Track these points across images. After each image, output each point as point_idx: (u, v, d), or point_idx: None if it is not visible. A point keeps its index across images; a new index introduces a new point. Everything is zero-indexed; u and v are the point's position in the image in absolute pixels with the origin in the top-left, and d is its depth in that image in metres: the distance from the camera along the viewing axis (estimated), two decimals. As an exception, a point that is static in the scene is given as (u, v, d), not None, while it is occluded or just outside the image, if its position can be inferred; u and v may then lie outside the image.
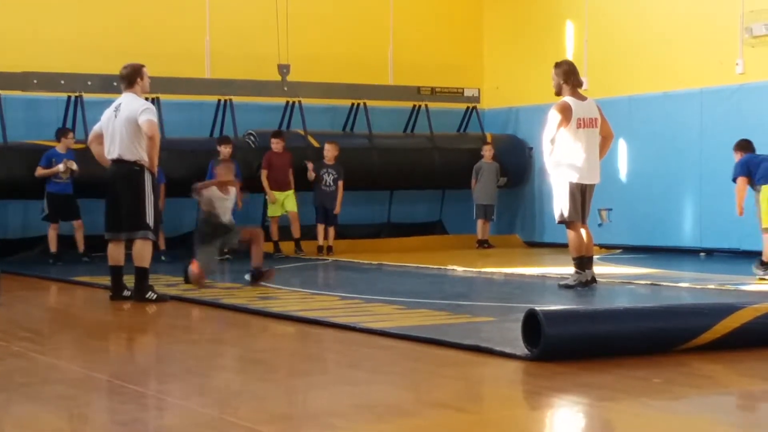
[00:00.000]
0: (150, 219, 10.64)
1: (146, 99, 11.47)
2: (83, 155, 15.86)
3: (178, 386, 6.56)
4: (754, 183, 13.09)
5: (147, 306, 10.51)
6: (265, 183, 16.94)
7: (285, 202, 17.14)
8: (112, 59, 17.34)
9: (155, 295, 10.72)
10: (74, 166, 15.45)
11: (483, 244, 18.90)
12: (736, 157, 13.45)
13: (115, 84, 16.90)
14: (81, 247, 15.86)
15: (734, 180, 13.20)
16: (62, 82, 16.84)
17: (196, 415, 5.71)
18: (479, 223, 19.00)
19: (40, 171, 15.56)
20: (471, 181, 18.99)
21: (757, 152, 13.43)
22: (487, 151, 19.10)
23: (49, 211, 15.67)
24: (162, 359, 7.82)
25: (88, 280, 12.97)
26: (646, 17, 18.04)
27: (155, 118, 10.73)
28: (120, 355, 7.93)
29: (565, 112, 11.38)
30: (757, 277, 12.71)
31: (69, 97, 16.92)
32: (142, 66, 11.09)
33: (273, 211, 17.15)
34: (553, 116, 11.44)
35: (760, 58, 16.27)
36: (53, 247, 15.68)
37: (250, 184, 17.13)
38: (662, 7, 17.84)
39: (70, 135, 15.85)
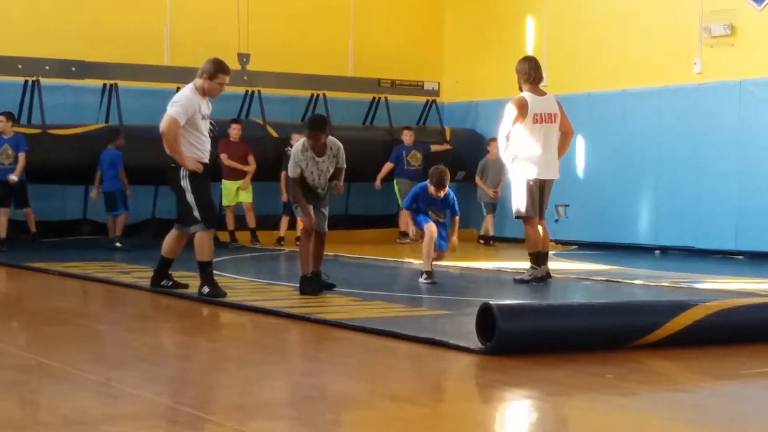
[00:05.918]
0: (197, 212, 9.99)
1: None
2: (33, 139, 15.79)
3: (131, 374, 6.52)
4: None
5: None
6: (228, 163, 16.89)
7: (239, 192, 17.05)
8: (71, 44, 17.29)
9: (208, 289, 9.95)
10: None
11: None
12: None
13: (73, 69, 16.93)
14: (33, 227, 15.61)
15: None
16: (19, 66, 16.64)
17: (148, 403, 5.69)
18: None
19: None
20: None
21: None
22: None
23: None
24: (115, 347, 7.77)
25: (41, 266, 12.86)
26: (607, 15, 18.11)
27: (174, 114, 9.80)
28: (73, 342, 7.87)
29: (521, 107, 11.38)
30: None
31: (26, 81, 16.74)
32: (219, 69, 9.97)
33: (227, 200, 17.06)
34: (509, 111, 11.43)
35: (718, 58, 16.39)
36: (2, 232, 15.43)
37: (212, 173, 17.08)
38: (622, 5, 17.92)
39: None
